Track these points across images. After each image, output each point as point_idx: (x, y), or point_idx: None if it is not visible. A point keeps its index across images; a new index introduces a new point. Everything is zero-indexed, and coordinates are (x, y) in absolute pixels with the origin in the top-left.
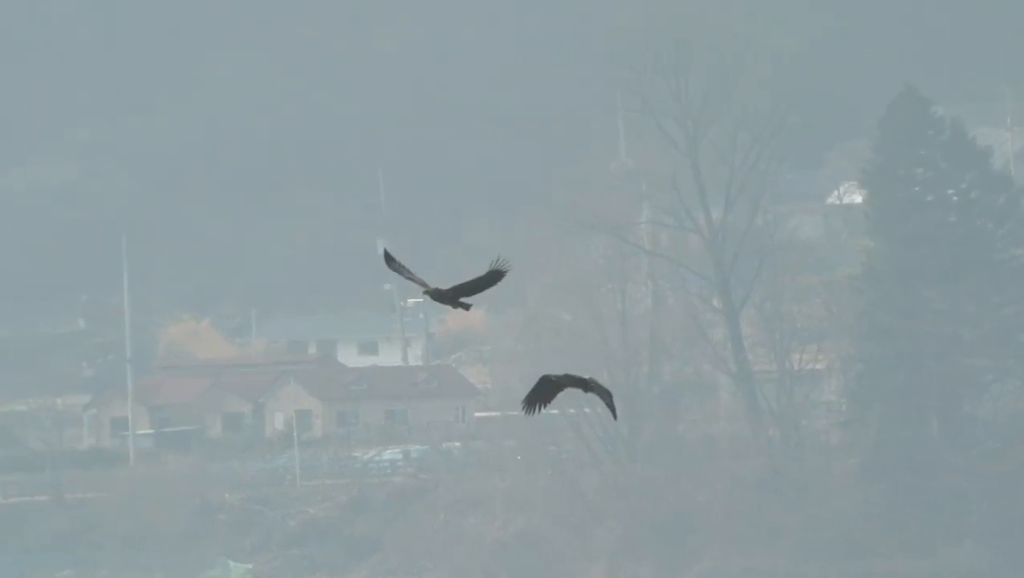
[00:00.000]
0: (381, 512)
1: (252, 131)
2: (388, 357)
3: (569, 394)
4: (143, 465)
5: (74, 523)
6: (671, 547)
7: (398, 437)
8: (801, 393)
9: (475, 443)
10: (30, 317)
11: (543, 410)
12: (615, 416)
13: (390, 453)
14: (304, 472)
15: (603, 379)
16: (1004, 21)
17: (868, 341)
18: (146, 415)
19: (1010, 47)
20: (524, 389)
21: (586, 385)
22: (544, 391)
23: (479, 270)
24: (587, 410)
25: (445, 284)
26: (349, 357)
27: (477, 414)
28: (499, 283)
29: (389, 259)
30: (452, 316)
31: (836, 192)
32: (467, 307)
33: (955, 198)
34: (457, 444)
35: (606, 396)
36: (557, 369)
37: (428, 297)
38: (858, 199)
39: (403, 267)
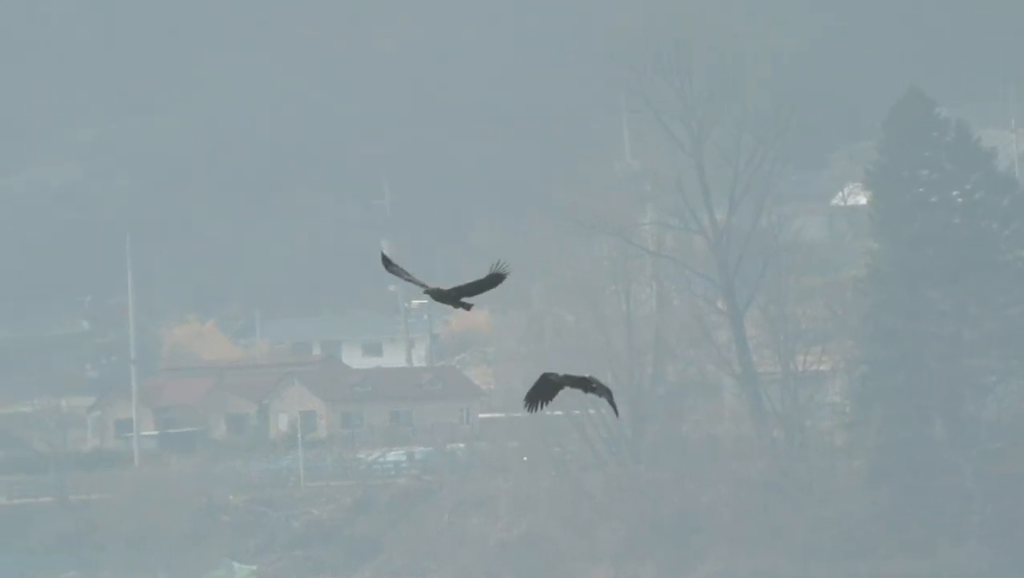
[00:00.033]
0: (385, 513)
1: (255, 131)
2: (392, 358)
3: (573, 395)
4: (147, 466)
5: (78, 524)
6: (675, 548)
7: (402, 438)
8: (805, 394)
9: (479, 444)
10: (34, 318)
11: (545, 408)
12: (616, 413)
13: (394, 454)
14: (308, 473)
15: (607, 380)
16: (1009, 23)
17: (872, 342)
18: (150, 416)
19: (1014, 49)
20: (527, 389)
21: (586, 385)
22: (545, 389)
23: (482, 271)
24: (591, 411)
25: (448, 285)
26: (353, 358)
27: (481, 415)
28: (499, 286)
29: (387, 262)
30: (456, 317)
31: (840, 193)
32: (468, 307)
33: (959, 199)
34: (461, 445)
35: (606, 394)
36: (560, 370)
37: (429, 296)
38: (862, 200)
39: (402, 269)
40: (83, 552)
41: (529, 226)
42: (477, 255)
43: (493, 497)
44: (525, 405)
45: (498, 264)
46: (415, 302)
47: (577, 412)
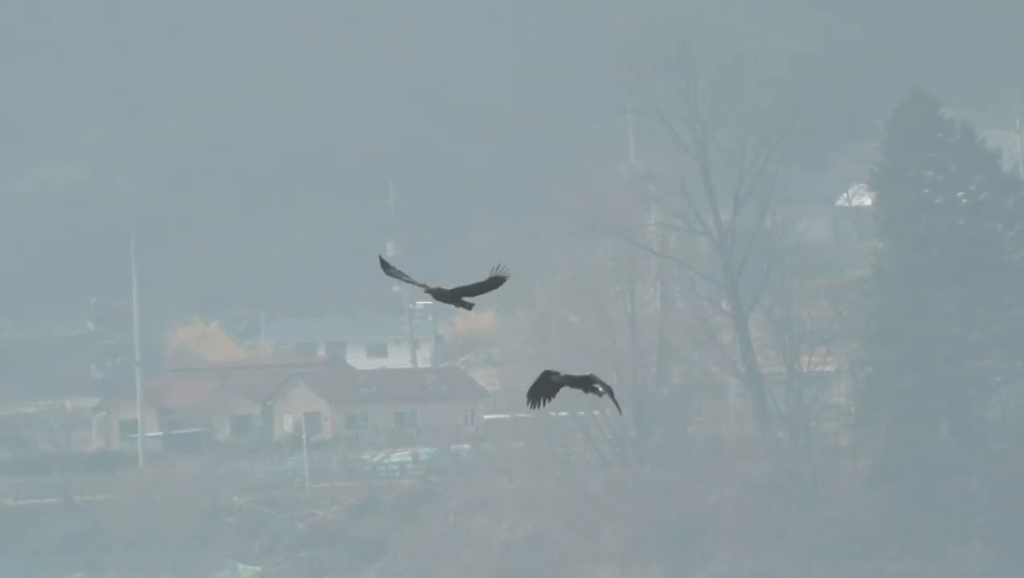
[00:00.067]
0: (390, 514)
1: (260, 132)
2: (397, 359)
3: (577, 395)
4: (152, 467)
5: (83, 525)
6: (680, 549)
7: (407, 439)
8: (810, 395)
9: (484, 445)
10: (39, 319)
11: (547, 404)
12: (619, 410)
13: (399, 455)
14: (313, 474)
15: (611, 381)
16: (1013, 24)
17: (877, 343)
18: (155, 417)
19: (1019, 49)
20: (540, 407)
21: (587, 385)
22: (546, 386)
23: (486, 272)
24: (596, 413)
25: (450, 286)
26: (358, 359)
27: (486, 416)
28: (500, 288)
29: (385, 266)
30: (461, 318)
31: (845, 194)
32: (469, 306)
33: (964, 200)
34: (466, 446)
35: (607, 392)
36: (564, 370)
37: (430, 295)
38: (867, 201)
39: (400, 272)
40: (88, 553)
41: (533, 227)
42: (481, 256)
43: (498, 498)
44: (527, 402)
45: (499, 267)
46: (420, 303)
47: (582, 413)
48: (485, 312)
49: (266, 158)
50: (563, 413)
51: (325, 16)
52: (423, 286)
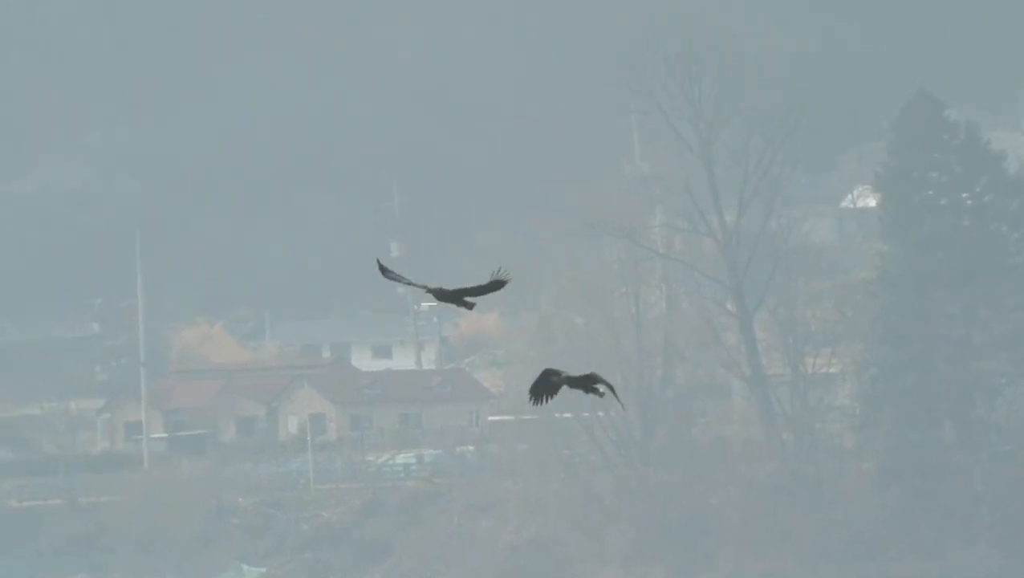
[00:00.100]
0: (394, 516)
1: (265, 134)
2: (402, 361)
3: (581, 396)
4: (156, 469)
5: (87, 527)
6: (685, 551)
7: (412, 441)
8: (815, 397)
9: (488, 447)
10: (43, 320)
11: (549, 401)
12: (623, 406)
13: (404, 457)
14: (318, 476)
15: (616, 383)
16: (1018, 25)
17: (882, 345)
18: (160, 419)
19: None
20: (543, 404)
21: (587, 385)
22: (548, 383)
23: (489, 275)
24: (600, 414)
25: (452, 287)
26: (363, 361)
27: (491, 418)
28: (501, 290)
29: (384, 270)
30: (466, 320)
31: (850, 196)
32: (470, 306)
33: (969, 202)
34: (471, 448)
35: (610, 389)
36: (566, 371)
37: (431, 295)
38: (872, 203)
39: (400, 275)
40: (92, 554)
41: (538, 228)
42: (485, 257)
43: (502, 499)
44: (529, 398)
45: (499, 271)
46: (424, 304)
47: (586, 414)
48: (490, 313)
49: (270, 159)
50: (567, 414)
51: (328, 16)
52: (423, 287)
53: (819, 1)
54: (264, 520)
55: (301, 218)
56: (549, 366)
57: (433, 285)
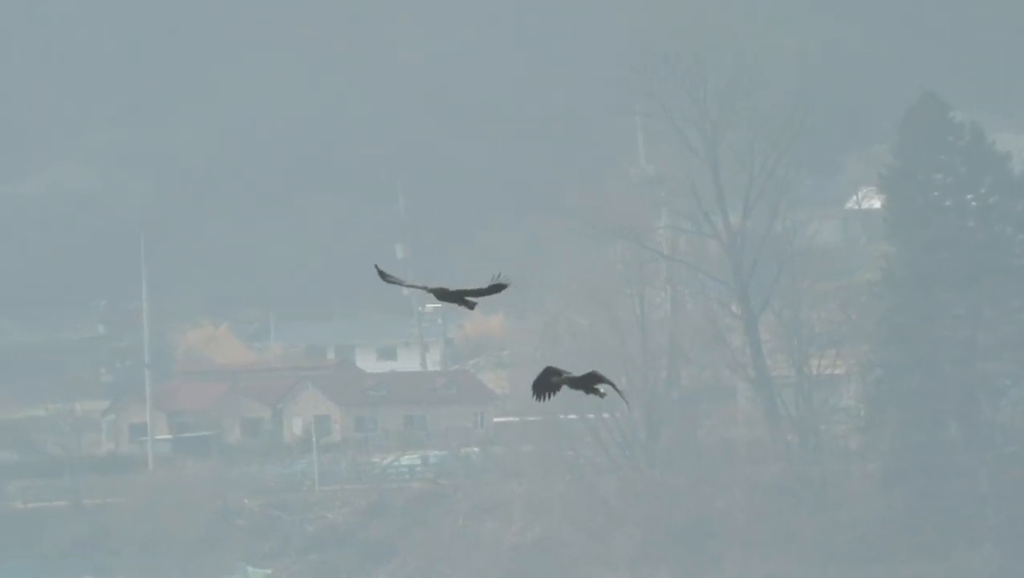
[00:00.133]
0: (399, 517)
1: (269, 135)
2: (407, 362)
3: (586, 398)
4: (161, 470)
5: (92, 528)
6: (690, 552)
7: (416, 442)
8: (820, 398)
9: (493, 448)
10: (48, 322)
11: (551, 397)
12: (627, 403)
13: (408, 458)
14: (322, 477)
15: (621, 384)
16: (1023, 26)
17: (887, 346)
18: (164, 420)
19: None
20: (545, 400)
21: (588, 386)
22: (549, 381)
23: (490, 278)
24: (605, 415)
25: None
26: (368, 362)
27: (495, 419)
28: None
29: (383, 275)
30: (470, 321)
31: (855, 197)
32: (472, 306)
33: (974, 203)
34: (475, 449)
35: (613, 387)
36: (569, 370)
37: (433, 295)
38: (877, 204)
39: (399, 279)
40: (97, 556)
41: (543, 230)
42: (490, 259)
43: (507, 501)
44: (532, 394)
45: (499, 275)
46: (429, 306)
47: (591, 416)
48: (494, 315)
49: (275, 160)
50: (572, 416)
51: (331, 17)
52: (424, 288)
53: (824, 3)
54: (269, 521)
55: (306, 219)
56: (555, 367)
57: (434, 285)
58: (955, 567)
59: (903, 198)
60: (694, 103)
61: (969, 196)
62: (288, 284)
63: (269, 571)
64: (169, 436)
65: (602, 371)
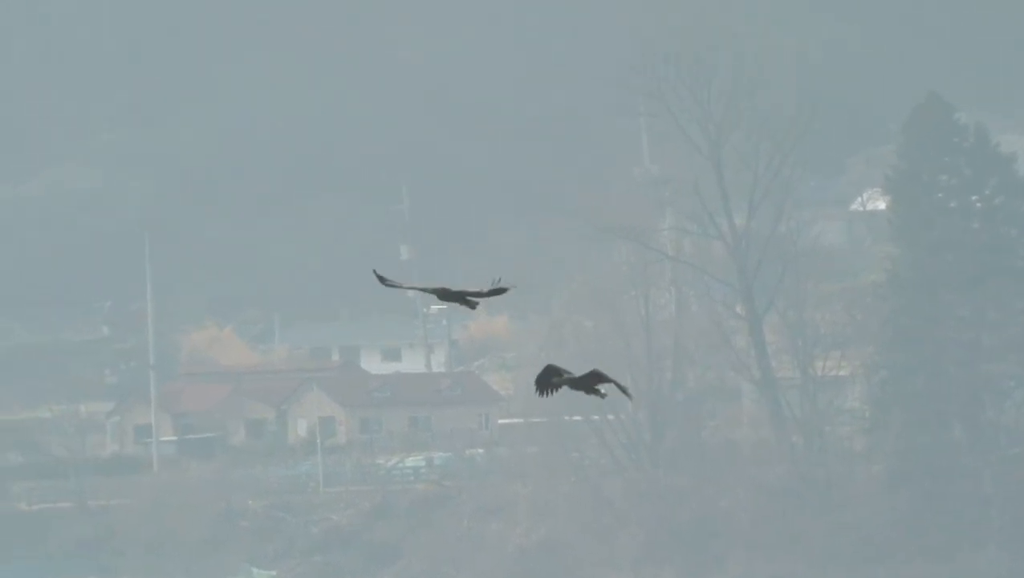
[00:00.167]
0: (404, 519)
1: (274, 136)
2: (411, 364)
3: (591, 399)
4: (166, 472)
5: (97, 530)
6: (694, 553)
7: (421, 444)
8: (824, 399)
9: (498, 450)
10: (53, 323)
11: (554, 393)
12: (630, 397)
13: (413, 460)
14: (327, 479)
15: (626, 385)
16: None
17: (891, 347)
18: (169, 422)
19: None
20: (547, 396)
21: (588, 386)
22: (551, 380)
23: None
24: (610, 417)
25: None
26: (372, 364)
27: (500, 421)
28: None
29: (381, 279)
30: (475, 323)
31: (859, 198)
32: (473, 305)
33: (979, 205)
34: (480, 451)
35: (616, 385)
36: (571, 369)
37: (434, 295)
38: (881, 205)
39: (399, 282)
40: (102, 558)
41: (548, 231)
42: (495, 260)
43: (512, 503)
44: (535, 390)
45: (499, 280)
46: (434, 308)
47: (596, 417)
48: (499, 316)
49: (279, 161)
50: (577, 417)
51: (335, 17)
52: (424, 289)
53: (829, 4)
54: (273, 523)
55: (310, 220)
56: (556, 365)
57: (435, 286)
58: (960, 569)
59: (908, 199)
60: (698, 104)
61: (974, 197)
62: (292, 285)
63: (274, 572)
64: (173, 437)
65: (605, 370)
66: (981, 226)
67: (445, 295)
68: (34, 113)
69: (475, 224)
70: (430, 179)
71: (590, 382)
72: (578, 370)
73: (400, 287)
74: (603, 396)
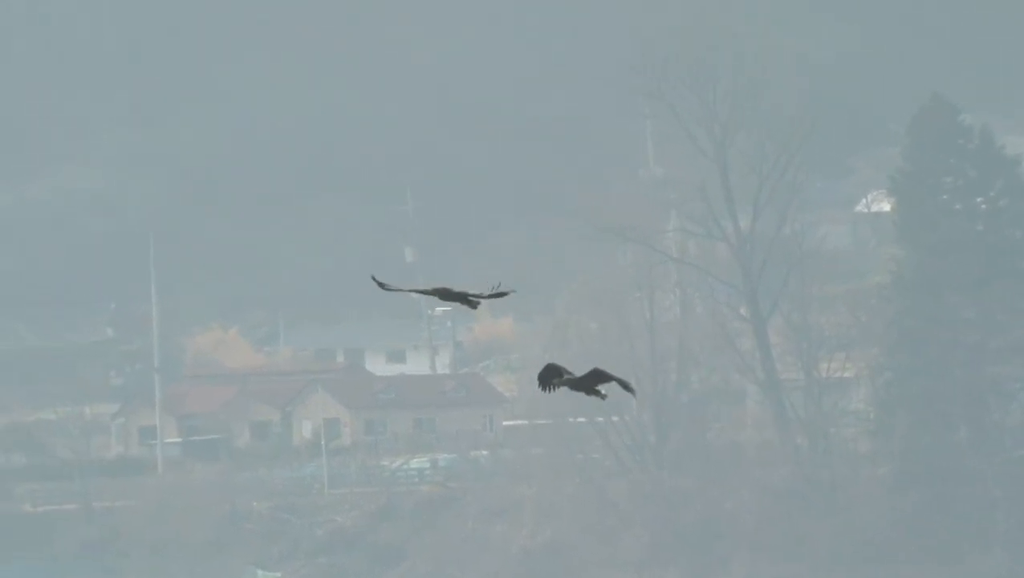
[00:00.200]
0: (409, 520)
1: (279, 138)
2: (416, 365)
3: (596, 401)
4: (171, 474)
5: (102, 531)
6: (699, 555)
7: (426, 445)
8: (829, 401)
9: (503, 451)
10: (58, 326)
11: (557, 389)
12: (633, 393)
13: (418, 461)
14: (332, 481)
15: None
16: None
17: (896, 349)
18: (174, 424)
19: None
20: (552, 397)
21: (589, 387)
22: (551, 380)
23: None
24: (615, 418)
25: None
26: (377, 365)
27: (505, 422)
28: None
29: (382, 285)
30: (480, 324)
31: (864, 200)
32: (475, 305)
33: (983, 206)
34: (485, 452)
35: (619, 383)
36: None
37: (436, 295)
38: (886, 207)
39: (398, 287)
40: (107, 559)
41: (552, 233)
42: (500, 262)
43: (517, 504)
44: (538, 385)
45: (498, 285)
46: (438, 309)
47: (600, 419)
48: (504, 318)
49: (284, 163)
50: (582, 419)
51: (341, 18)
52: (424, 291)
53: (833, 6)
54: (278, 525)
55: (315, 222)
56: (557, 364)
57: (436, 286)
58: (965, 571)
59: (913, 201)
60: (703, 105)
61: (979, 199)
62: (297, 287)
63: (278, 574)
64: (178, 439)
65: (606, 369)
66: (986, 228)
67: (446, 295)
68: (37, 115)
69: (479, 225)
70: (434, 180)
71: (591, 383)
72: (581, 372)
73: (400, 291)
74: (603, 397)
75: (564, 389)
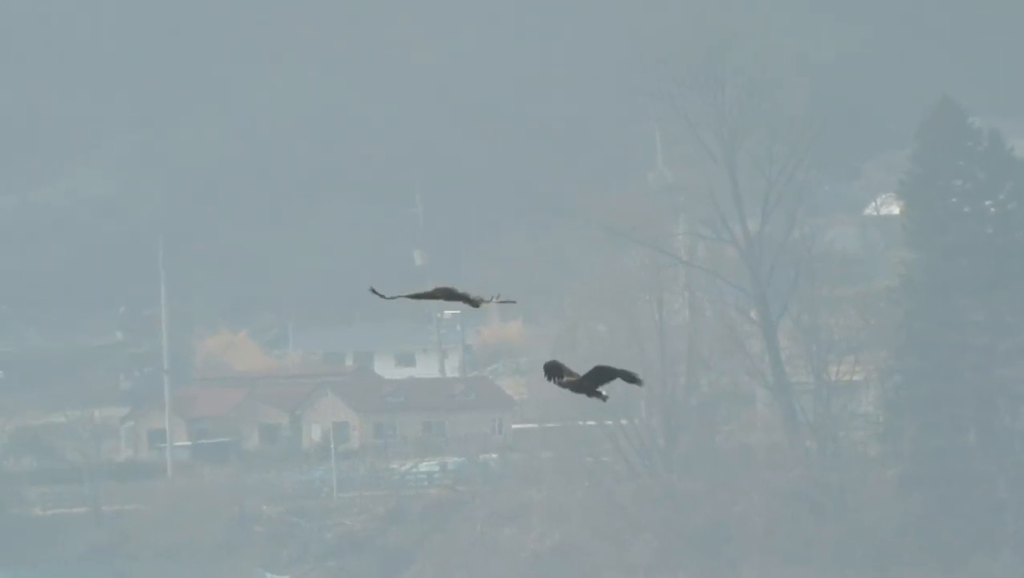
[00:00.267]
0: (418, 524)
1: (288, 142)
2: (425, 369)
3: (601, 404)
4: (180, 477)
5: (111, 535)
6: (708, 558)
7: (435, 449)
8: (838, 404)
9: (512, 455)
10: (67, 329)
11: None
12: (640, 383)
13: (427, 465)
14: (341, 484)
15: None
16: None
17: (905, 352)
18: (183, 427)
19: None
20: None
21: (590, 388)
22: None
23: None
24: (624, 422)
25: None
26: (386, 369)
27: (514, 426)
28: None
29: (380, 295)
30: (489, 327)
31: (873, 203)
32: (476, 305)
33: (993, 209)
34: (494, 456)
35: (623, 377)
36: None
37: (439, 296)
38: (895, 210)
39: (398, 294)
40: (116, 563)
41: (562, 236)
42: (509, 264)
43: (526, 507)
44: (545, 375)
45: (498, 296)
46: (448, 312)
47: (609, 422)
48: (513, 321)
49: (294, 167)
50: (591, 422)
51: (350, 21)
52: (426, 295)
53: (841, 9)
54: (288, 528)
55: (325, 225)
56: (559, 362)
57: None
58: (974, 574)
59: (922, 204)
60: (712, 108)
61: (988, 202)
62: (307, 290)
63: (287, 577)
64: (188, 442)
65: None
66: (995, 231)
67: (449, 295)
68: (46, 118)
69: (488, 229)
70: (444, 184)
71: (593, 383)
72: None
73: (403, 296)
74: (604, 398)
75: (568, 391)
